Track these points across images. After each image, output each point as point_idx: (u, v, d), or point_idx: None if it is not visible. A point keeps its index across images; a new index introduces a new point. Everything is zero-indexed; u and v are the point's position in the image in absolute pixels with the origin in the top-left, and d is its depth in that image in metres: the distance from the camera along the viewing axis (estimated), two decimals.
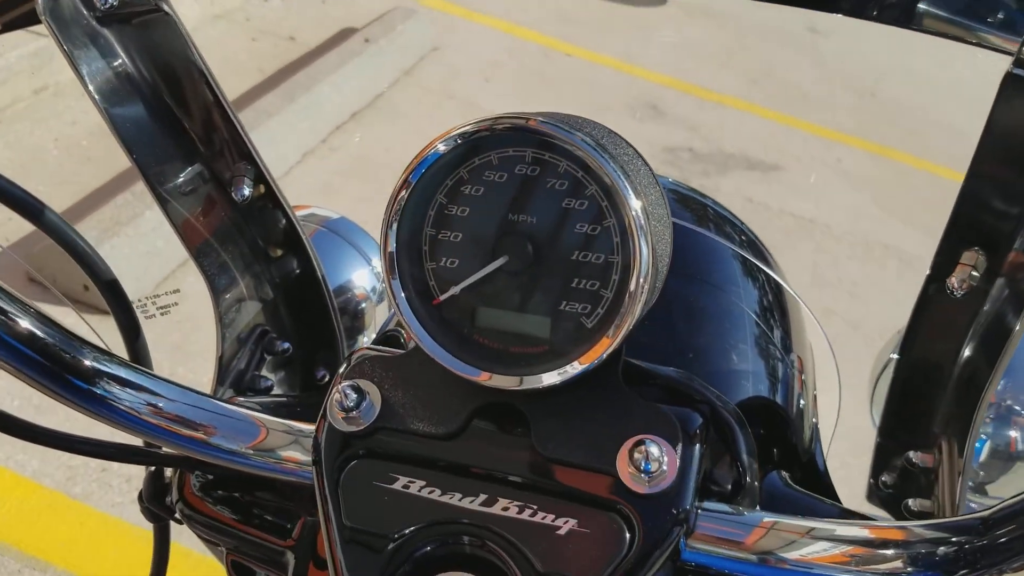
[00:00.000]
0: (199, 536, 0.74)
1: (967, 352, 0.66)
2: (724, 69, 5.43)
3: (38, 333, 0.56)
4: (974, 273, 0.61)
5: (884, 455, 0.76)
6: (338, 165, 4.01)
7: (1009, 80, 0.57)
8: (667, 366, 0.59)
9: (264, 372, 0.83)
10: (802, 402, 0.78)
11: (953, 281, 0.62)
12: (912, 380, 0.72)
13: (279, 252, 0.84)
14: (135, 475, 2.50)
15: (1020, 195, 0.60)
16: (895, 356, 0.77)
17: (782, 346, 0.80)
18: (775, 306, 0.84)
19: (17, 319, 0.55)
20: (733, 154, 4.73)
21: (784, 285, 0.86)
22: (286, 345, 0.84)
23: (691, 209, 0.94)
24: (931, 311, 0.67)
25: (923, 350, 0.69)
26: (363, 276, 1.03)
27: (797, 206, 4.31)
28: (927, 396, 0.70)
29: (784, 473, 0.67)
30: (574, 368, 0.50)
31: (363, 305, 1.02)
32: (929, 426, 0.72)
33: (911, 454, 0.73)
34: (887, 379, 0.79)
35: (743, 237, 0.92)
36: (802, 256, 3.97)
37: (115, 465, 2.53)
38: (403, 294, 0.52)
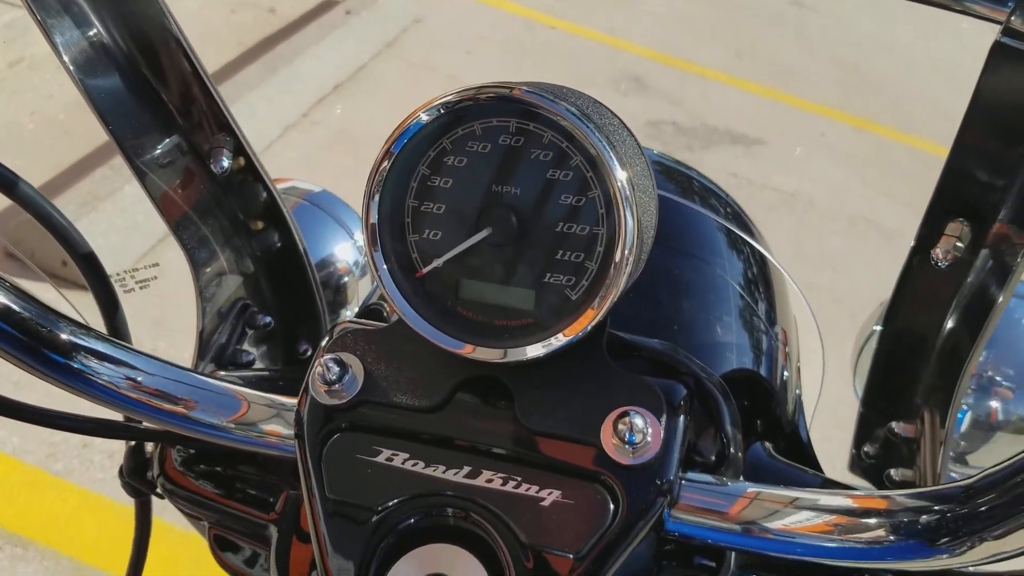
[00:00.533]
0: (181, 511, 0.73)
1: (950, 323, 0.66)
2: (708, 42, 5.41)
3: (14, 307, 0.55)
4: (959, 244, 0.61)
5: (867, 426, 0.76)
6: (320, 139, 3.98)
7: (997, 49, 0.57)
8: (652, 338, 0.58)
9: (246, 346, 0.82)
10: (786, 374, 0.78)
11: (938, 252, 0.62)
12: (895, 351, 0.72)
13: (260, 225, 0.83)
14: (117, 451, 2.49)
15: (1006, 166, 0.60)
16: (878, 328, 0.78)
17: (766, 318, 0.80)
18: (760, 278, 0.84)
19: None
20: (717, 128, 4.72)
21: (769, 257, 0.86)
22: (268, 319, 0.83)
23: (676, 181, 0.93)
24: (915, 282, 0.67)
25: (906, 321, 0.69)
26: (345, 249, 1.02)
27: (780, 180, 4.32)
28: (910, 367, 0.71)
29: (768, 444, 0.68)
30: (558, 340, 0.49)
31: (346, 279, 1.02)
32: (912, 397, 0.72)
33: (893, 425, 0.74)
34: (870, 351, 0.79)
35: (728, 209, 0.91)
36: (785, 231, 3.99)
37: (97, 441, 2.52)
38: (385, 266, 0.52)
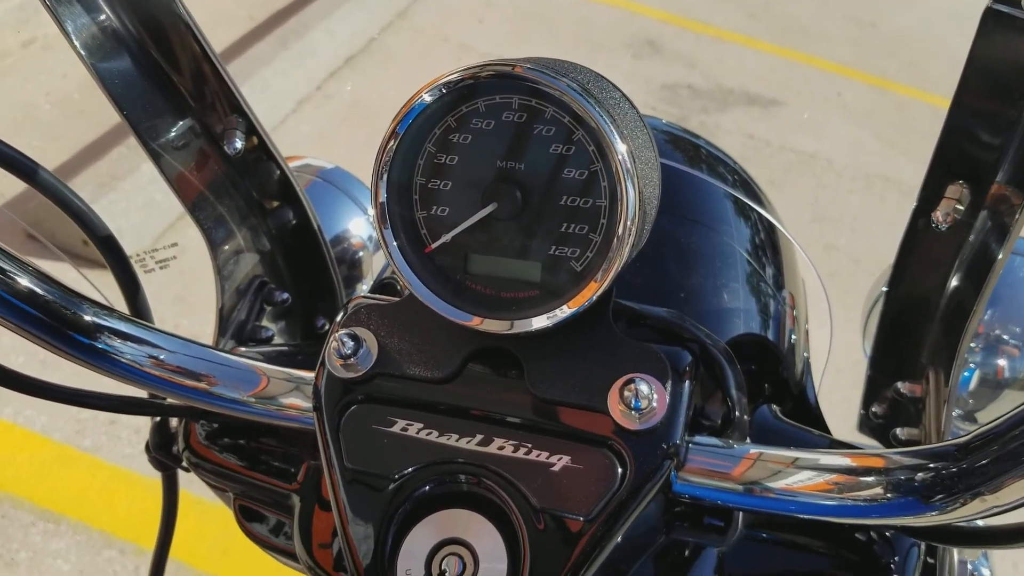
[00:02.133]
0: (206, 483, 0.76)
1: (953, 283, 0.67)
2: (722, 3, 5.35)
3: (38, 291, 0.57)
4: (958, 206, 0.62)
5: (874, 386, 0.77)
6: (334, 113, 3.98)
7: (989, 15, 0.57)
8: (658, 306, 0.60)
9: (264, 322, 0.84)
10: (793, 337, 0.79)
11: (938, 215, 0.63)
12: (900, 313, 0.73)
13: (274, 204, 0.84)
14: (143, 427, 2.53)
15: (1001, 128, 0.60)
16: (885, 290, 0.78)
17: (774, 283, 0.81)
18: (767, 244, 0.84)
19: (16, 277, 0.56)
20: (733, 90, 4.68)
21: (776, 223, 0.87)
22: (285, 295, 0.85)
23: (682, 150, 0.94)
24: (918, 245, 0.67)
25: (910, 283, 0.69)
26: (359, 225, 1.03)
27: (798, 141, 4.29)
28: (915, 328, 0.71)
29: (775, 407, 0.69)
30: (563, 312, 0.51)
31: (360, 254, 1.03)
32: (917, 357, 0.73)
33: (899, 385, 0.75)
34: (878, 313, 0.80)
35: (735, 177, 0.92)
36: (803, 192, 3.96)
37: (123, 418, 2.57)
38: (395, 242, 0.53)
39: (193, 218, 0.78)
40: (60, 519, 2.34)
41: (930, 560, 0.70)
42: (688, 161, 0.90)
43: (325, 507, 0.67)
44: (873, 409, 0.79)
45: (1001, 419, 0.45)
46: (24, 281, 0.56)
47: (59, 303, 0.58)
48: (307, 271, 0.87)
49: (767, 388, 0.73)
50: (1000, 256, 0.61)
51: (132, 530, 2.31)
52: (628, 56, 4.77)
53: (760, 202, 0.88)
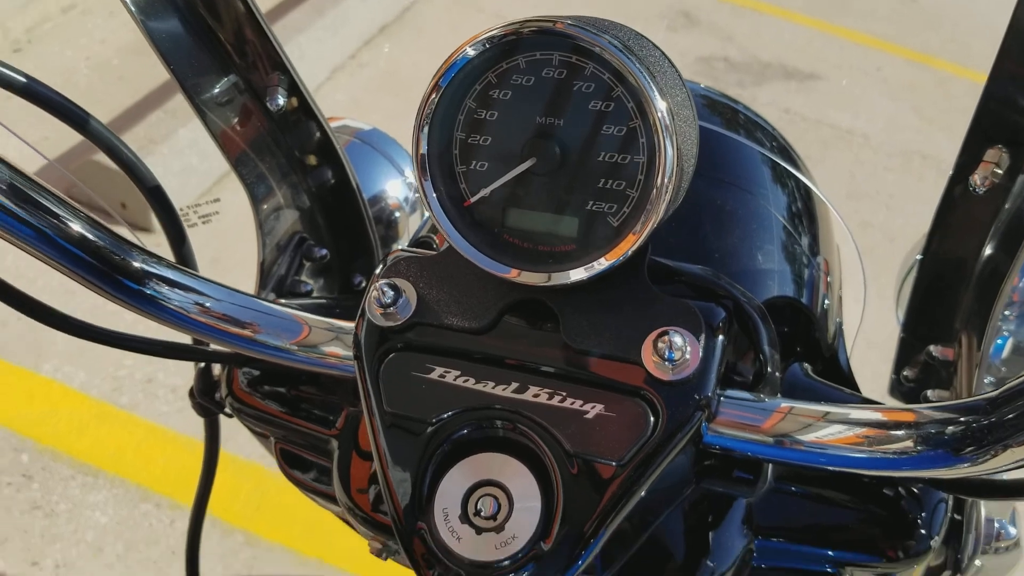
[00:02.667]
0: (249, 428, 0.78)
1: (988, 249, 0.67)
2: None
3: (89, 236, 0.59)
4: (996, 170, 0.62)
5: (906, 350, 0.77)
6: (368, 81, 3.99)
7: None
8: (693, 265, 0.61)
9: (303, 277, 0.86)
10: (827, 302, 0.80)
11: (976, 178, 0.63)
12: (935, 277, 0.73)
13: (314, 162, 0.86)
14: (179, 386, 2.59)
15: None
16: (920, 257, 0.78)
17: (809, 248, 0.81)
18: (803, 210, 0.85)
19: (70, 222, 0.58)
20: (770, 63, 4.63)
21: (813, 188, 0.87)
22: (323, 251, 0.86)
23: (721, 114, 0.94)
24: (954, 210, 0.68)
25: (946, 248, 0.70)
26: (396, 186, 1.05)
27: (835, 116, 4.24)
28: (949, 292, 0.72)
29: (806, 365, 0.70)
30: (601, 264, 0.52)
31: (396, 214, 1.05)
32: (950, 321, 0.73)
33: (932, 348, 0.75)
34: (912, 279, 0.80)
35: (774, 142, 0.92)
36: (840, 167, 3.93)
37: (160, 376, 2.62)
38: (435, 195, 0.54)
39: (237, 174, 0.80)
40: (98, 473, 2.40)
41: (957, 517, 0.71)
42: (726, 125, 0.90)
43: (363, 452, 0.70)
44: (904, 373, 0.80)
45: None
46: (77, 227, 0.58)
47: (110, 249, 0.60)
48: (345, 228, 0.88)
49: (799, 350, 0.74)
50: None
51: (168, 485, 2.37)
52: (663, 29, 4.73)
53: (798, 168, 0.89)
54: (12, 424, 2.51)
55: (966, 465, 0.48)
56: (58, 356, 2.70)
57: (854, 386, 0.74)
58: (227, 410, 0.79)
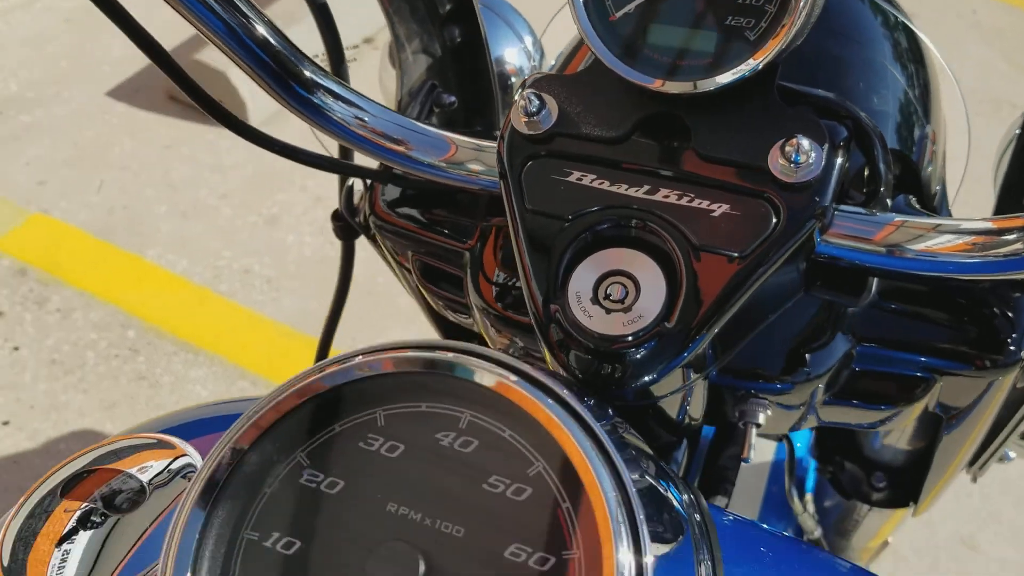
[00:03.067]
0: (386, 248, 0.86)
1: None
2: None
3: (272, 41, 0.66)
4: None
5: (1009, 196, 0.80)
6: None
7: None
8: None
9: (433, 122, 0.93)
10: (930, 168, 0.83)
11: None
12: None
13: (448, 9, 0.92)
14: (273, 277, 2.72)
15: None
16: (1019, 131, 0.81)
17: (921, 114, 0.85)
18: (920, 77, 0.88)
19: (256, 25, 0.65)
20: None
21: (936, 56, 0.90)
22: (452, 99, 0.93)
23: None
24: None
25: None
26: (514, 53, 1.10)
27: None
28: None
29: (912, 197, 0.74)
30: (747, 65, 0.56)
31: (512, 80, 1.10)
32: None
33: None
34: (1009, 156, 0.83)
35: (899, 12, 0.95)
36: None
37: (256, 267, 2.75)
38: (583, 6, 0.60)
39: (385, 15, 0.87)
40: (198, 351, 2.55)
41: None
42: None
43: (492, 263, 0.76)
44: None
45: None
46: (262, 30, 0.65)
47: (288, 55, 0.67)
48: (473, 80, 0.94)
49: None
50: None
51: (263, 366, 2.51)
52: None
53: (911, 22, 0.91)
54: (120, 303, 2.67)
55: None
56: (161, 244, 2.85)
57: None
58: (369, 230, 0.86)
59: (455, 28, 0.92)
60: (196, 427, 0.65)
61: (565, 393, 0.45)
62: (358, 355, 0.46)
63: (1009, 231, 0.55)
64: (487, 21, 1.10)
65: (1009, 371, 0.69)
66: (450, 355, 0.46)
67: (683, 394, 0.67)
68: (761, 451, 1.18)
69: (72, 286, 2.72)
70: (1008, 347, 0.68)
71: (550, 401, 0.45)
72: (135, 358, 2.54)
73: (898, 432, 0.82)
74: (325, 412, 0.45)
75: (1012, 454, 1.12)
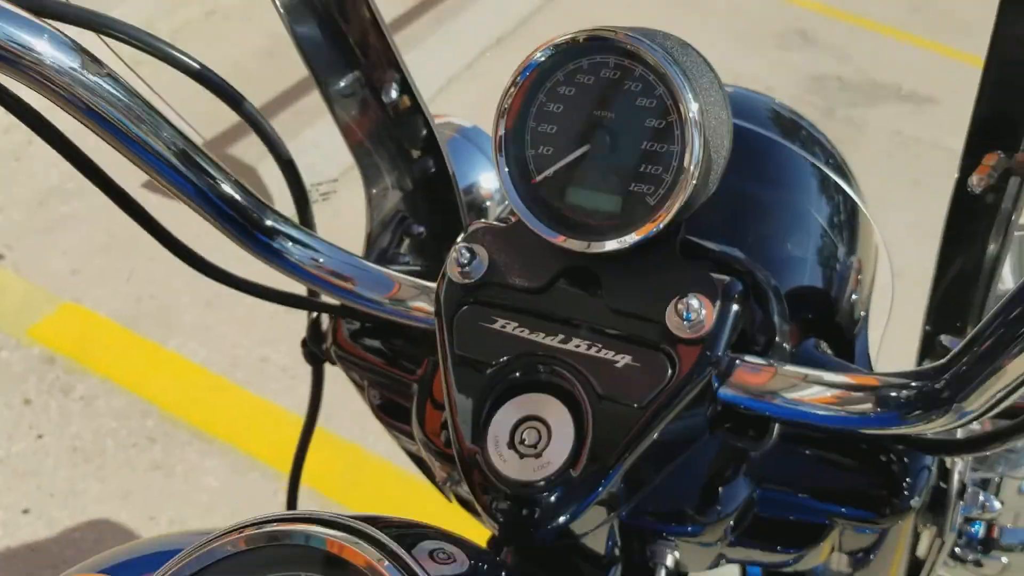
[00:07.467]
0: (348, 374, 0.91)
1: (992, 247, 0.74)
2: None
3: (237, 196, 0.72)
4: (992, 172, 0.69)
5: (928, 341, 0.84)
6: (483, 89, 4.15)
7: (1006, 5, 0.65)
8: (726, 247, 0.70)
9: (403, 251, 0.99)
10: (854, 297, 0.87)
11: (973, 180, 0.70)
12: (948, 275, 0.80)
13: (419, 153, 0.99)
14: (289, 366, 2.78)
15: None
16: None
17: (843, 248, 0.89)
18: (844, 218, 0.93)
19: (222, 184, 0.72)
20: (885, 84, 4.58)
21: (856, 201, 0.95)
22: (421, 229, 0.99)
23: (781, 125, 1.02)
24: (959, 210, 0.74)
25: (954, 247, 0.76)
26: (489, 179, 1.17)
27: (950, 141, 4.16)
28: (958, 288, 0.78)
29: (822, 343, 0.78)
30: (632, 238, 0.61)
31: (488, 203, 1.16)
32: (964, 316, 0.80)
33: (943, 338, 0.82)
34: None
35: (830, 159, 1.00)
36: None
37: (272, 356, 2.82)
38: (507, 170, 0.66)
39: (354, 157, 0.93)
40: (212, 440, 2.61)
41: (942, 485, 0.79)
42: (783, 134, 0.99)
43: (438, 396, 0.81)
44: (924, 364, 0.87)
45: (963, 342, 0.54)
46: (227, 187, 0.72)
47: (250, 208, 0.73)
48: (441, 212, 1.00)
49: (822, 332, 0.82)
50: (1013, 218, 0.68)
51: (274, 456, 2.55)
52: (777, 48, 4.74)
53: (848, 182, 0.97)
54: (141, 391, 2.75)
55: (917, 423, 0.56)
56: (183, 334, 2.93)
57: (868, 366, 0.82)
58: (332, 358, 0.92)
59: (425, 162, 0.98)
60: (131, 566, 0.70)
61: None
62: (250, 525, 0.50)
63: (862, 388, 0.59)
64: (462, 150, 1.17)
65: (904, 516, 0.72)
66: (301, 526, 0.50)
67: (605, 532, 0.71)
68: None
69: (97, 374, 2.80)
70: (903, 491, 0.71)
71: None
72: (152, 447, 2.60)
73: (837, 560, 0.84)
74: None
75: None
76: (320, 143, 3.32)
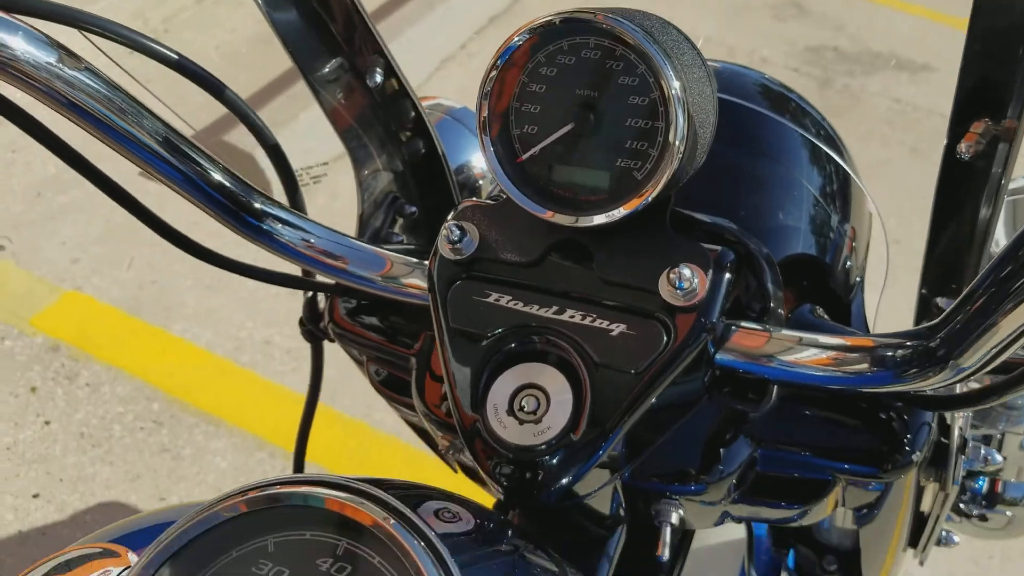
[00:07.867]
0: (346, 351, 0.93)
1: (983, 212, 0.75)
2: None
3: (226, 182, 0.74)
4: (980, 140, 0.70)
5: (924, 304, 0.85)
6: (476, 70, 4.15)
7: None
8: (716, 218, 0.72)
9: (396, 230, 1.00)
10: (848, 262, 0.89)
11: (962, 147, 0.71)
12: (942, 239, 0.81)
13: (408, 135, 1.00)
14: (294, 348, 2.81)
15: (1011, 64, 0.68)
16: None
17: (836, 215, 0.91)
18: (836, 187, 0.94)
19: (211, 171, 0.74)
20: (881, 53, 4.57)
21: (847, 170, 0.96)
22: (413, 209, 1.00)
23: (771, 99, 1.03)
24: (950, 177, 0.75)
25: (947, 212, 0.77)
26: (480, 158, 1.18)
27: (948, 108, 4.16)
28: (952, 252, 0.79)
29: (818, 308, 0.80)
30: (619, 212, 0.63)
31: (479, 182, 1.18)
32: (959, 279, 0.81)
33: (939, 300, 0.83)
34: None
35: (820, 130, 1.01)
36: None
37: (276, 338, 2.84)
38: (492, 150, 0.67)
39: (342, 142, 0.95)
40: (219, 423, 2.64)
41: (943, 440, 0.81)
42: (773, 107, 1.00)
43: (436, 368, 0.83)
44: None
45: (955, 303, 0.56)
46: (216, 174, 0.74)
47: (240, 193, 0.75)
48: (432, 191, 1.02)
49: (816, 299, 0.84)
50: (1003, 183, 0.69)
51: (281, 436, 2.58)
52: (772, 18, 4.73)
53: (838, 153, 0.98)
54: (146, 376, 2.78)
55: (915, 380, 0.58)
56: (187, 318, 2.96)
57: (864, 330, 0.83)
58: (330, 336, 0.94)
59: (415, 144, 1.00)
60: (143, 535, 0.72)
61: (411, 515, 0.50)
62: (259, 486, 0.52)
63: (858, 349, 0.61)
64: (452, 131, 1.18)
65: (906, 471, 0.74)
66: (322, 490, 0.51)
67: (609, 493, 0.73)
68: (733, 530, 1.22)
69: (101, 361, 2.83)
70: (904, 447, 0.73)
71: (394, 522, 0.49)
72: (159, 430, 2.63)
73: (842, 516, 0.87)
74: (221, 541, 0.51)
75: (957, 538, 1.15)
76: (316, 126, 3.34)
